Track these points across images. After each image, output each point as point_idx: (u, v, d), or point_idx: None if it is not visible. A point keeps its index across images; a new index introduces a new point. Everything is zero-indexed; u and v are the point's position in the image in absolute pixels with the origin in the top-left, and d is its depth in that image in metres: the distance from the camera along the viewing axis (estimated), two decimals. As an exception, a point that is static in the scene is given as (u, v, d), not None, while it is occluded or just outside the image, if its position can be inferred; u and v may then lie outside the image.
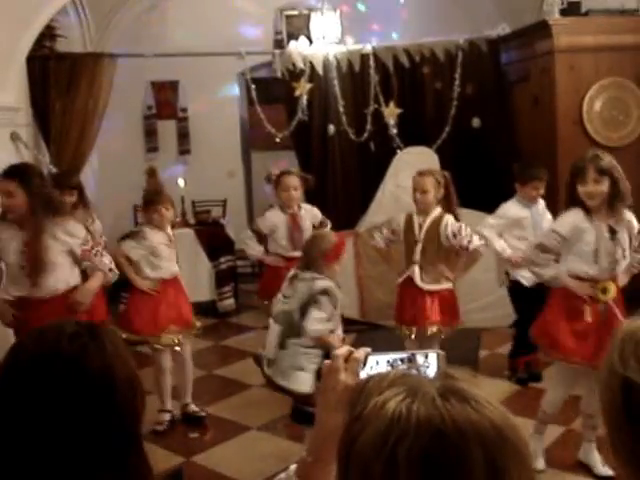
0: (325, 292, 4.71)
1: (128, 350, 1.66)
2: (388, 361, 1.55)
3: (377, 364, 1.56)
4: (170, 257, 6.09)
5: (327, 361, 1.63)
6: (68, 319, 1.76)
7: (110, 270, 5.25)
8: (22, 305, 5.00)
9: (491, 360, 7.06)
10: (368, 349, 1.60)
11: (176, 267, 6.16)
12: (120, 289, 7.91)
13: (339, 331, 4.87)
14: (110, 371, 1.55)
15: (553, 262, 5.11)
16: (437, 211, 5.87)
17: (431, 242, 5.86)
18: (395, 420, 1.12)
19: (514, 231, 6.43)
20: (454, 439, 1.10)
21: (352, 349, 1.61)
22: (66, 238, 4.98)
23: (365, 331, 7.86)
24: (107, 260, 5.23)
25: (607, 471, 4.89)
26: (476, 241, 5.85)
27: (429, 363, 1.50)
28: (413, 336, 5.92)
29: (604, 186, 4.72)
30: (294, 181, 6.57)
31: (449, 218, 5.86)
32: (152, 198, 6.08)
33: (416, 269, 5.89)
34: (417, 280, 5.90)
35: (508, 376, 6.69)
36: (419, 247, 5.87)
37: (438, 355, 1.51)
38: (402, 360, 1.53)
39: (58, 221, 4.97)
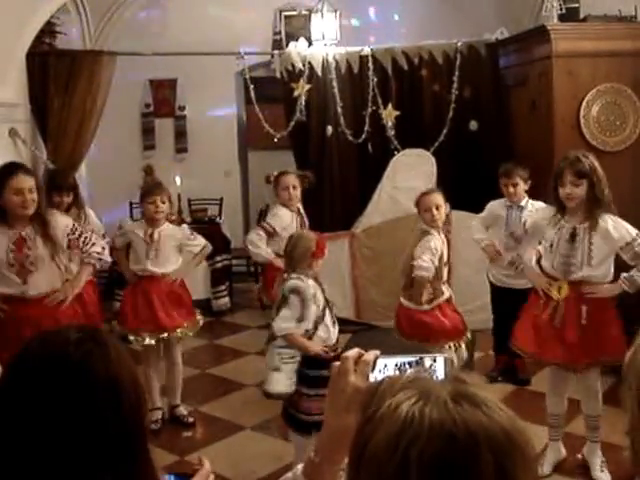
0: (294, 291, 4.70)
1: (130, 355, 1.67)
2: (396, 364, 1.56)
3: (385, 367, 1.57)
4: (145, 254, 6.03)
5: (336, 363, 1.64)
6: (69, 325, 1.76)
7: (100, 259, 5.30)
8: (9, 302, 5.01)
9: (486, 362, 7.07)
10: (377, 352, 1.61)
11: (151, 265, 6.03)
12: (115, 287, 7.95)
13: (322, 332, 4.79)
14: (116, 376, 1.56)
15: (521, 250, 5.39)
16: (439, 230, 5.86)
17: (449, 260, 5.96)
18: (408, 423, 1.14)
19: (495, 230, 6.58)
20: (466, 443, 1.11)
21: (362, 351, 1.63)
22: (55, 232, 5.03)
23: (360, 331, 7.86)
24: (98, 247, 5.27)
25: (604, 476, 4.95)
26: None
27: (437, 367, 1.51)
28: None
29: (582, 189, 4.76)
30: (292, 180, 6.67)
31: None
32: (149, 189, 6.10)
33: (449, 290, 5.92)
34: (454, 299, 5.95)
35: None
36: (447, 268, 5.87)
37: (446, 359, 1.52)
38: (410, 364, 1.54)
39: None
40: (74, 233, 5.12)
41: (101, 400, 1.51)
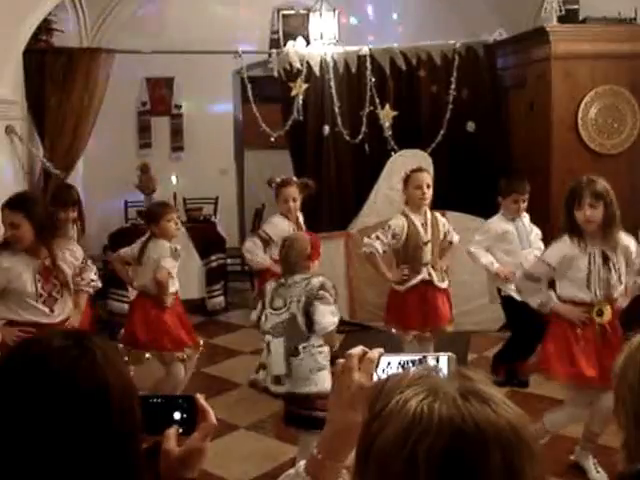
0: (323, 287, 4.70)
1: (120, 357, 1.61)
2: (400, 362, 1.56)
3: (389, 365, 1.57)
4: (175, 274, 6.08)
5: (340, 360, 1.64)
6: (54, 331, 1.68)
7: (95, 281, 5.36)
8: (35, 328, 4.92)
9: (479, 363, 7.07)
10: (381, 350, 1.61)
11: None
12: (110, 286, 7.91)
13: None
14: (104, 385, 1.48)
15: (544, 289, 5.14)
16: (427, 209, 5.91)
17: (436, 241, 5.89)
18: (417, 418, 1.14)
19: (501, 246, 6.45)
20: (474, 439, 1.12)
21: (366, 349, 1.63)
22: (73, 260, 5.05)
23: (354, 332, 7.85)
24: (93, 274, 5.34)
25: (601, 477, 4.94)
26: (456, 236, 6.08)
27: (440, 366, 1.50)
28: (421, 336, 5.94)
29: (599, 211, 4.74)
30: (293, 192, 6.62)
31: (438, 215, 5.99)
32: (164, 209, 6.02)
33: (430, 270, 5.87)
34: (436, 281, 5.93)
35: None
36: (429, 247, 5.84)
37: (449, 358, 1.52)
38: (413, 362, 1.54)
39: (62, 244, 5.01)
40: (82, 261, 5.17)
41: (88, 411, 1.45)
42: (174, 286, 6.00)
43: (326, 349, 4.79)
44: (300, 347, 4.78)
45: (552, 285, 5.19)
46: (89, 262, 5.33)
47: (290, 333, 4.81)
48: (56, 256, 4.88)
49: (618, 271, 4.86)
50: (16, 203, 4.88)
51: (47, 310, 4.90)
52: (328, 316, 4.70)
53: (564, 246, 5.00)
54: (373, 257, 5.90)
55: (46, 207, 5.08)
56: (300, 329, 4.74)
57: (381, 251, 5.91)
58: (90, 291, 5.38)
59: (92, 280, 5.31)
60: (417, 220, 5.85)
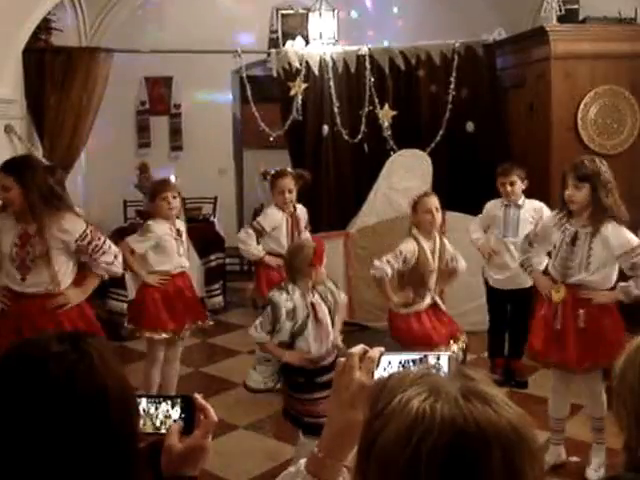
0: (269, 302, 4.72)
1: (118, 360, 1.59)
2: (400, 362, 1.56)
3: (389, 364, 1.57)
4: (177, 250, 6.04)
5: (341, 359, 1.64)
6: (50, 334, 1.65)
7: (110, 264, 5.09)
8: (7, 296, 5.00)
9: (478, 364, 7.06)
10: (382, 349, 1.62)
11: (184, 261, 6.14)
12: (109, 286, 7.89)
13: (302, 344, 4.74)
14: (102, 388, 1.48)
15: (533, 252, 5.37)
16: (436, 234, 5.80)
17: (440, 268, 5.82)
18: (419, 418, 1.15)
19: (493, 229, 6.66)
20: (476, 439, 1.13)
21: (367, 348, 1.63)
22: (60, 235, 4.91)
23: (353, 332, 7.83)
24: (108, 257, 5.07)
25: (594, 476, 4.96)
26: (462, 262, 5.92)
27: (441, 365, 1.50)
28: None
29: (583, 192, 4.79)
30: (289, 183, 6.65)
31: (446, 241, 5.89)
32: (159, 186, 6.06)
33: (435, 297, 5.83)
34: (443, 307, 5.91)
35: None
36: (434, 275, 5.75)
37: (450, 357, 1.52)
38: (414, 361, 1.54)
39: (55, 217, 4.90)
40: (83, 240, 4.95)
41: (87, 414, 1.44)
42: (164, 264, 5.98)
43: (261, 355, 4.90)
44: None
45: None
46: (106, 243, 5.08)
47: None
48: (44, 226, 4.84)
49: (587, 258, 4.85)
50: (9, 167, 4.94)
51: (19, 277, 4.92)
52: (252, 330, 4.81)
53: (548, 217, 5.34)
54: (382, 281, 5.77)
55: (43, 176, 4.98)
56: None
57: (390, 275, 5.78)
58: (102, 274, 5.13)
59: (107, 262, 5.07)
60: (427, 246, 5.76)
